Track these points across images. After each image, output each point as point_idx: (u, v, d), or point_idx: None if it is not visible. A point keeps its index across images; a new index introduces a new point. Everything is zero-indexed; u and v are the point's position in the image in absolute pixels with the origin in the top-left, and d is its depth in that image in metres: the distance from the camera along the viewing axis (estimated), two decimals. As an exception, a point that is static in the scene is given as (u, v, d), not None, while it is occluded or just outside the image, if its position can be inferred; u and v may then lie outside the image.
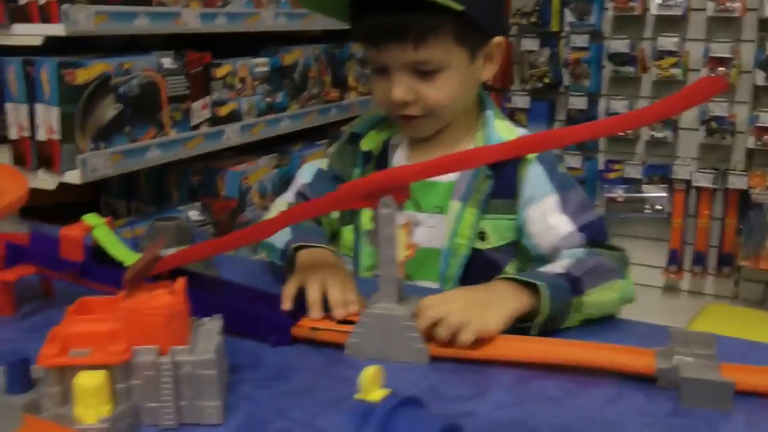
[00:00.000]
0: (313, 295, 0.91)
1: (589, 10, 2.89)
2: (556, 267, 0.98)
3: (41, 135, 1.65)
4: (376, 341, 0.85)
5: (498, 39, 1.12)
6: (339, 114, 2.57)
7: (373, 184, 0.82)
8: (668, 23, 2.87)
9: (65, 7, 1.55)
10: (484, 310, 0.87)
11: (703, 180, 2.84)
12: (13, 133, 1.69)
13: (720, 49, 2.72)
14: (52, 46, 1.63)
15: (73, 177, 1.65)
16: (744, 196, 2.84)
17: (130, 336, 0.70)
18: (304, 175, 1.28)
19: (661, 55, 2.81)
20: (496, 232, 1.12)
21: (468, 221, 1.11)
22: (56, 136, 1.63)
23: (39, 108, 1.64)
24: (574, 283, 0.94)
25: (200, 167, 2.13)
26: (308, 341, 0.89)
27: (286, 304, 0.91)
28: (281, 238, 1.09)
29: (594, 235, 1.07)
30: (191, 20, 1.88)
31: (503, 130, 1.15)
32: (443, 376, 0.82)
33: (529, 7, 3.00)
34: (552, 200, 1.09)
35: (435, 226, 1.13)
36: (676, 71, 2.80)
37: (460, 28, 1.07)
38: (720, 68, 2.73)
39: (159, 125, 1.85)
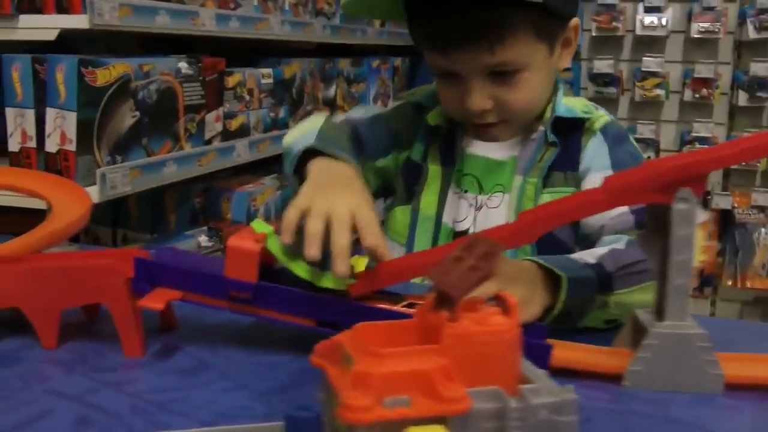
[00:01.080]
0: (313, 227, 0.72)
1: (574, 29, 2.85)
2: (589, 255, 0.83)
3: (51, 145, 1.39)
4: (664, 368, 0.68)
5: (575, 21, 1.00)
6: (329, 133, 2.38)
7: (670, 172, 0.66)
8: (646, 44, 2.87)
9: (89, -4, 1.31)
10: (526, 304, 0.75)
11: (687, 201, 2.82)
12: (13, 144, 1.42)
13: (704, 70, 2.73)
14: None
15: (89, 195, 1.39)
16: (726, 216, 2.85)
17: (460, 373, 0.51)
18: (358, 112, 1.12)
19: (644, 75, 2.80)
20: None
21: (530, 195, 0.98)
22: (71, 147, 1.38)
23: (50, 113, 1.38)
24: (603, 279, 0.80)
25: (202, 187, 1.89)
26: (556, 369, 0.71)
27: (285, 237, 0.73)
28: (303, 142, 0.92)
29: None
30: (207, 21, 1.67)
31: (572, 102, 1.03)
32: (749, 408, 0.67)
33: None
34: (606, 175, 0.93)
35: (498, 206, 1.01)
36: (660, 92, 2.79)
37: (540, 20, 0.94)
38: (703, 89, 2.75)
39: (175, 137, 1.61)
